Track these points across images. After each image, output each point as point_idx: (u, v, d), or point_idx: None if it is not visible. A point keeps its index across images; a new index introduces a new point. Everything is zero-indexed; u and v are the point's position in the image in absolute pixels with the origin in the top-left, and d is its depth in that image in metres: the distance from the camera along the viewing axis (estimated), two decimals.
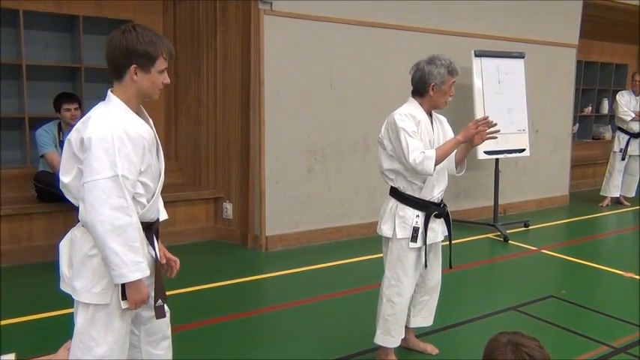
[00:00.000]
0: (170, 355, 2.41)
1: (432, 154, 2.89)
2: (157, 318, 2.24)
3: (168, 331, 2.39)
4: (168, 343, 2.39)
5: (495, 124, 2.95)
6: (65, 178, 2.08)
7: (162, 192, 2.25)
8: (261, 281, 4.64)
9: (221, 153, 5.61)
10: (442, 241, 3.22)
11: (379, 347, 3.19)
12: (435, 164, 2.89)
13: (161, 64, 2.11)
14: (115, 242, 1.96)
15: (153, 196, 2.18)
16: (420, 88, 3.01)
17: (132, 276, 2.01)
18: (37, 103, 5.27)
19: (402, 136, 2.92)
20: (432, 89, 2.97)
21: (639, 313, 3.92)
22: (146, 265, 2.07)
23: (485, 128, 2.91)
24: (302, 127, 5.39)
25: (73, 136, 2.04)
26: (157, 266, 2.23)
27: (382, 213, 3.13)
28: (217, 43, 5.50)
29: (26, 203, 4.81)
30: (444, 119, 3.20)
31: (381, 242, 3.20)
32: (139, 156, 2.06)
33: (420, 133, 2.97)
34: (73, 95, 4.96)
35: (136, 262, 2.00)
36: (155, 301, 2.21)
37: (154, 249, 2.23)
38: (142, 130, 2.11)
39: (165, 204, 2.37)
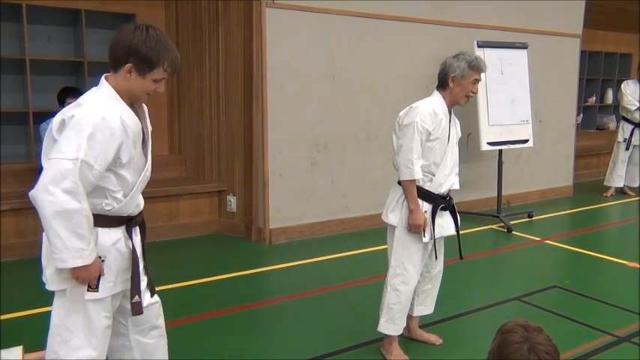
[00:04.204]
0: (162, 344, 2.40)
1: (415, 175, 2.94)
2: (133, 314, 2.22)
3: (158, 322, 2.37)
4: (158, 332, 2.38)
5: None
6: (45, 163, 2.02)
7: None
8: (265, 274, 4.66)
9: (224, 146, 5.62)
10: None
11: (383, 338, 3.21)
12: (405, 181, 2.96)
13: (158, 74, 2.06)
14: (60, 225, 1.91)
15: (132, 190, 2.14)
16: (442, 80, 3.05)
17: (72, 262, 1.96)
18: (40, 97, 5.28)
19: (416, 136, 2.94)
20: (452, 81, 3.00)
21: None
22: (90, 253, 2.00)
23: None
24: (305, 119, 5.40)
25: (55, 119, 2.02)
26: (135, 261, 2.19)
27: (389, 202, 3.15)
28: (219, 37, 5.49)
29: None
30: (458, 122, 3.22)
31: (386, 232, 3.21)
32: (114, 147, 2.00)
33: (439, 130, 2.98)
34: (77, 89, 4.97)
35: (79, 249, 1.96)
36: (132, 298, 2.18)
37: (133, 242, 2.20)
38: (129, 121, 2.07)
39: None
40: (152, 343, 2.36)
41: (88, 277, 2.05)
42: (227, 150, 5.60)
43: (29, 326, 3.52)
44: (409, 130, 2.95)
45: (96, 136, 1.95)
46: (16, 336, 3.23)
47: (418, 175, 2.95)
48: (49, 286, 2.09)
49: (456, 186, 3.22)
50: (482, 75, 3.11)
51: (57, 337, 2.10)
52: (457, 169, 3.23)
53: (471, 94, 3.03)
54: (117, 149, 2.02)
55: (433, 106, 3.01)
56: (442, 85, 3.05)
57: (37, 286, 2.18)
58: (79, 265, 1.98)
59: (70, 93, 4.86)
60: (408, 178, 2.96)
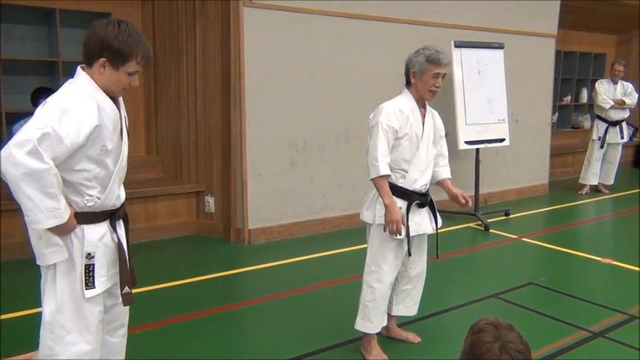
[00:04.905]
0: (124, 343, 2.44)
1: (381, 172, 2.95)
2: (125, 305, 2.27)
3: (126, 320, 2.41)
4: (124, 331, 2.41)
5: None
6: None
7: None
8: (244, 274, 4.64)
9: (202, 146, 5.59)
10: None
11: (362, 336, 3.22)
12: (374, 177, 2.98)
13: (132, 66, 2.11)
14: (29, 187, 1.91)
15: (111, 179, 2.16)
16: (407, 77, 3.08)
17: (47, 222, 1.97)
18: (14, 98, 5.20)
19: (381, 135, 2.96)
20: (413, 77, 3.03)
21: (617, 298, 4.01)
22: (64, 211, 2.00)
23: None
24: (283, 119, 5.39)
25: (37, 110, 2.05)
26: (122, 253, 2.22)
27: (365, 200, 3.18)
28: (197, 36, 5.46)
29: (9, 199, 4.72)
30: (436, 114, 3.24)
31: (365, 230, 3.22)
32: (87, 130, 2.01)
33: (406, 127, 3.00)
34: (51, 89, 4.90)
35: (52, 209, 1.95)
36: (121, 289, 2.22)
37: (118, 235, 2.23)
38: (107, 109, 2.10)
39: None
40: (116, 343, 2.38)
41: (66, 233, 2.07)
42: (205, 150, 5.57)
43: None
44: (374, 129, 3.00)
45: (69, 113, 1.98)
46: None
47: (384, 171, 2.97)
48: (40, 262, 2.11)
49: (447, 175, 3.27)
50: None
51: (50, 334, 2.11)
52: (446, 161, 3.28)
53: (433, 88, 3.02)
54: (90, 134, 2.03)
55: (399, 104, 3.04)
56: (408, 81, 3.09)
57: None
58: (54, 224, 1.98)
59: (43, 93, 4.77)
60: (375, 176, 2.99)
